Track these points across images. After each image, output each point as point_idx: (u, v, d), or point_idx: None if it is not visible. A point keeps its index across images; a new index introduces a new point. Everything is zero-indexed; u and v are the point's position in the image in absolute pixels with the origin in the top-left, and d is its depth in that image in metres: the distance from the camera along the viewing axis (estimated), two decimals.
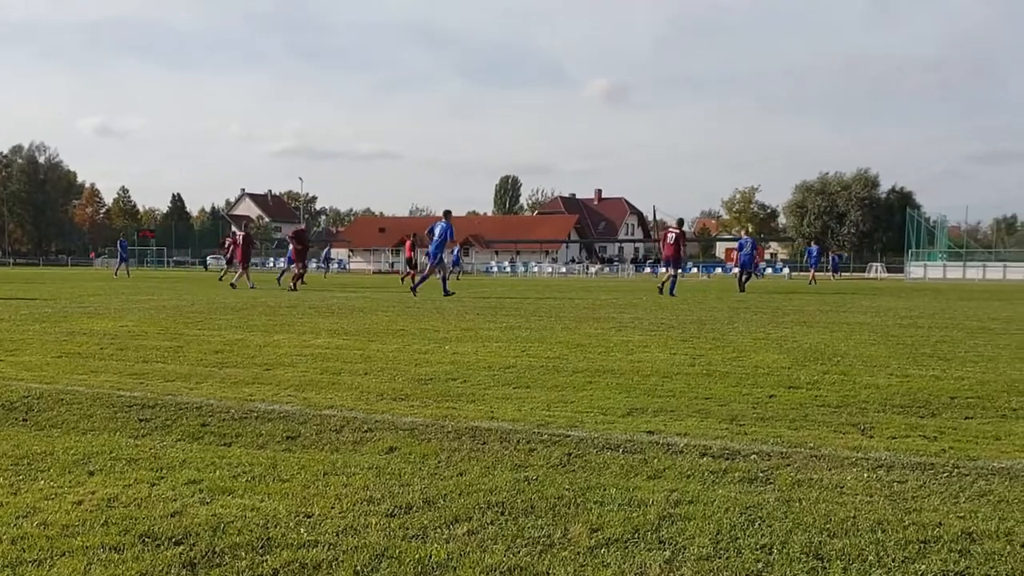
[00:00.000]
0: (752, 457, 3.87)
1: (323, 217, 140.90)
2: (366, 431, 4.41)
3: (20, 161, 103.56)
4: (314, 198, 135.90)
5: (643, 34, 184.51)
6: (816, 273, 35.58)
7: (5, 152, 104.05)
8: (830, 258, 42.08)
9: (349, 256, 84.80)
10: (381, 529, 2.89)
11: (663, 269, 22.55)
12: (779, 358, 7.36)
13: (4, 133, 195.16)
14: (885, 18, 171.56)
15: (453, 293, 19.10)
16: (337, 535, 2.83)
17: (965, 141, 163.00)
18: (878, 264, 62.33)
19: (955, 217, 70.63)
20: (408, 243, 31.44)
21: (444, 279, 19.36)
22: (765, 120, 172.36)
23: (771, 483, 3.47)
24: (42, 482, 3.45)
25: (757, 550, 2.70)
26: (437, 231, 18.79)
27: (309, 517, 3.01)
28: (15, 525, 2.92)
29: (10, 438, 4.22)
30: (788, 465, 3.74)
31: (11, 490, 3.34)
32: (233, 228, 27.73)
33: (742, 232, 29.36)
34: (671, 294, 20.11)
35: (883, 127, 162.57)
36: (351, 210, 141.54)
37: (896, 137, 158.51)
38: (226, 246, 29.52)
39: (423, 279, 19.55)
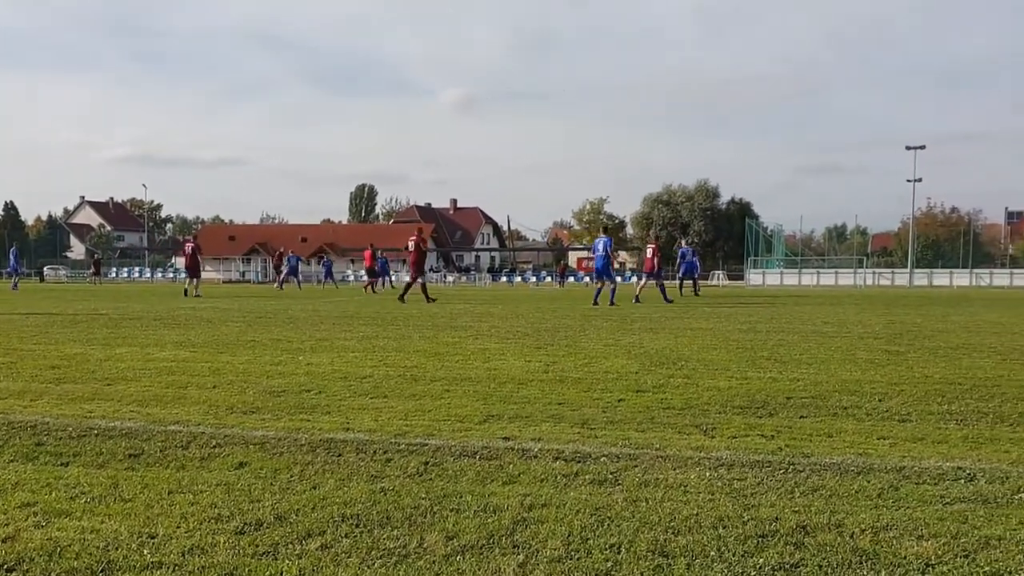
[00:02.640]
0: (602, 459, 4.00)
1: (169, 225, 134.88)
2: (214, 447, 4.28)
3: None
4: (159, 206, 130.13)
5: (491, 46, 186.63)
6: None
7: None
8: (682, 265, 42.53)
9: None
10: (230, 547, 2.81)
11: (636, 279, 24.18)
12: (628, 363, 7.62)
13: None
14: (718, 38, 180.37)
15: (616, 304, 19.25)
16: (183, 555, 2.74)
17: (797, 154, 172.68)
18: (720, 272, 65.20)
19: (790, 226, 74.85)
20: (368, 252, 33.72)
21: (613, 290, 19.79)
22: (613, 133, 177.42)
23: (619, 484, 3.60)
24: None
25: (606, 550, 2.80)
26: (600, 247, 19.71)
27: (153, 538, 2.90)
28: None
29: None
30: (636, 466, 3.88)
31: None
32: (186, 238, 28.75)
33: (682, 242, 29.59)
34: (666, 300, 21.15)
35: (722, 141, 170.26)
36: (199, 218, 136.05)
37: (734, 150, 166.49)
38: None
39: (612, 292, 19.76)
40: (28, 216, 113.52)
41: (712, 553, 2.78)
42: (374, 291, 32.40)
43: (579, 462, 3.95)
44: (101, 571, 2.60)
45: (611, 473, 3.76)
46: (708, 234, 77.44)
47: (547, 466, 3.88)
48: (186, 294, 25.22)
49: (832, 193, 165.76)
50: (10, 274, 34.86)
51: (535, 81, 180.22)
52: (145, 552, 2.76)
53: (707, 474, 3.76)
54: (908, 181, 59.51)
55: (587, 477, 3.69)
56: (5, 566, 2.63)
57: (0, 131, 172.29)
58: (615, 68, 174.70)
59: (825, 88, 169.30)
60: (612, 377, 6.72)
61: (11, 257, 35.16)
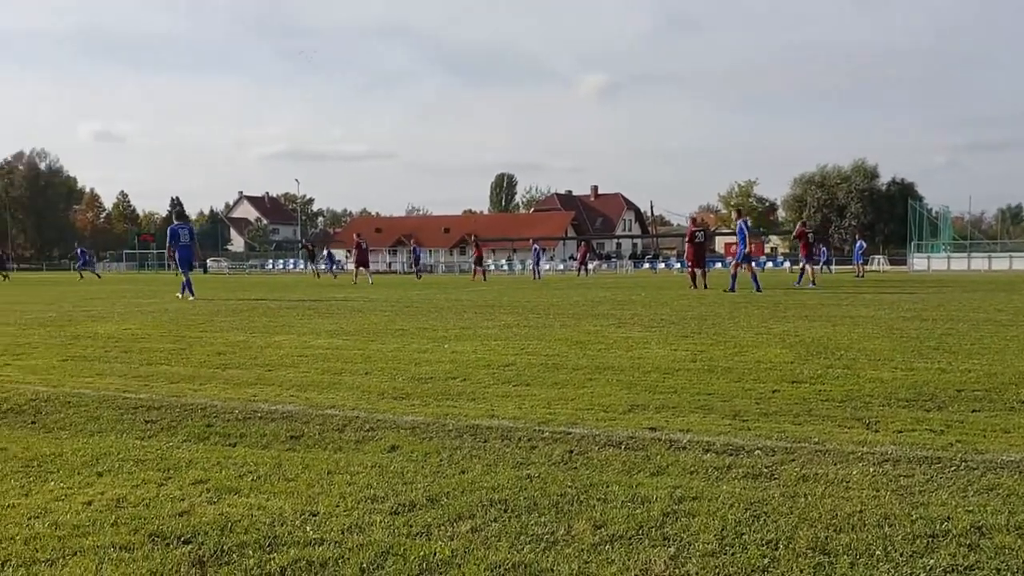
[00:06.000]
0: (756, 453, 3.87)
1: (321, 219, 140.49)
2: (368, 430, 4.42)
3: (21, 168, 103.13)
4: (311, 200, 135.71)
5: (629, 32, 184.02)
6: (863, 266, 36.43)
7: (8, 158, 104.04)
8: (820, 251, 42.15)
9: (347, 257, 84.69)
10: (385, 527, 2.89)
11: (801, 265, 24.60)
12: (781, 353, 7.36)
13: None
14: (869, 9, 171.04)
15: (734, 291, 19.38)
16: (342, 533, 2.83)
17: (959, 130, 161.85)
18: (880, 256, 61.99)
19: (958, 208, 70.48)
20: (474, 241, 38.51)
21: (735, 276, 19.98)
22: (758, 114, 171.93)
23: (775, 478, 3.47)
24: (52, 483, 3.47)
25: (763, 545, 2.70)
26: (746, 229, 20.06)
27: (314, 515, 3.02)
28: (27, 526, 2.94)
29: (19, 440, 4.24)
30: (792, 460, 3.74)
31: (22, 491, 3.37)
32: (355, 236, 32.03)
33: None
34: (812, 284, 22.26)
35: (876, 118, 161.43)
36: (346, 211, 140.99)
37: (891, 128, 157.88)
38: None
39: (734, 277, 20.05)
40: (192, 211, 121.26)
41: (877, 552, 2.63)
42: (484, 279, 35.80)
43: (731, 455, 3.84)
44: (268, 545, 2.73)
45: (766, 467, 3.63)
46: (867, 217, 73.70)
47: (697, 458, 3.79)
48: (355, 282, 28.47)
49: (1003, 172, 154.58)
50: (82, 266, 40.71)
51: (675, 64, 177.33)
52: (308, 529, 2.88)
53: (871, 470, 3.57)
54: None
55: (740, 470, 3.58)
56: (182, 538, 2.80)
57: (164, 132, 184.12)
58: (756, 46, 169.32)
59: (983, 59, 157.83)
60: (765, 367, 6.50)
61: (80, 254, 40.98)
